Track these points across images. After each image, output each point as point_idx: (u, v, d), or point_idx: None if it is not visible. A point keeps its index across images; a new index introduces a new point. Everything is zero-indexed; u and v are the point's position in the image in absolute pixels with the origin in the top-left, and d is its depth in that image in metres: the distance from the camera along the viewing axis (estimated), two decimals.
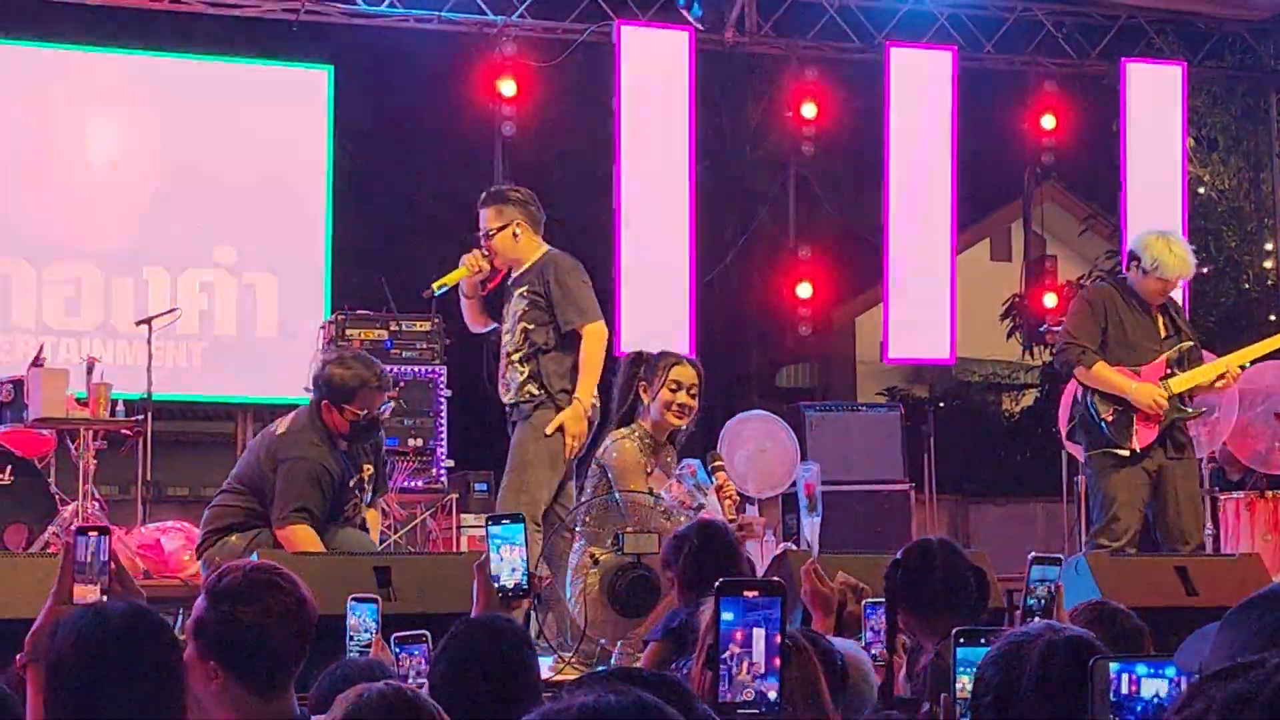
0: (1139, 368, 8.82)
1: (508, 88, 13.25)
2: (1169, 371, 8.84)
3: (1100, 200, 19.20)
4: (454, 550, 10.70)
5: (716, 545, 5.76)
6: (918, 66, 14.03)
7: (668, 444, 7.92)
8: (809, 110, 13.93)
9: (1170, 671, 2.62)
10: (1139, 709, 2.61)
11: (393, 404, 8.23)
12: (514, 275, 8.49)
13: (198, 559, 8.06)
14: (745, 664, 2.99)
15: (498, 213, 8.50)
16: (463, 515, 11.28)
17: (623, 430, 7.82)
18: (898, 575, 5.01)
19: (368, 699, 3.11)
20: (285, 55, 13.61)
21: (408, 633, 4.46)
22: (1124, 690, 2.66)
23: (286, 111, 13.57)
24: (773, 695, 2.99)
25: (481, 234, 8.51)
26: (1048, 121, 14.38)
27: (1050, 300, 14.46)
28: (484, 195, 8.68)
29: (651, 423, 7.81)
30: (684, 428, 7.90)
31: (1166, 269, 8.83)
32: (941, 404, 17.70)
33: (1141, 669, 2.66)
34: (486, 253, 8.49)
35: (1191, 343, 9.00)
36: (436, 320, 11.77)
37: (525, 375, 8.26)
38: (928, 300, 13.91)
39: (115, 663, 3.40)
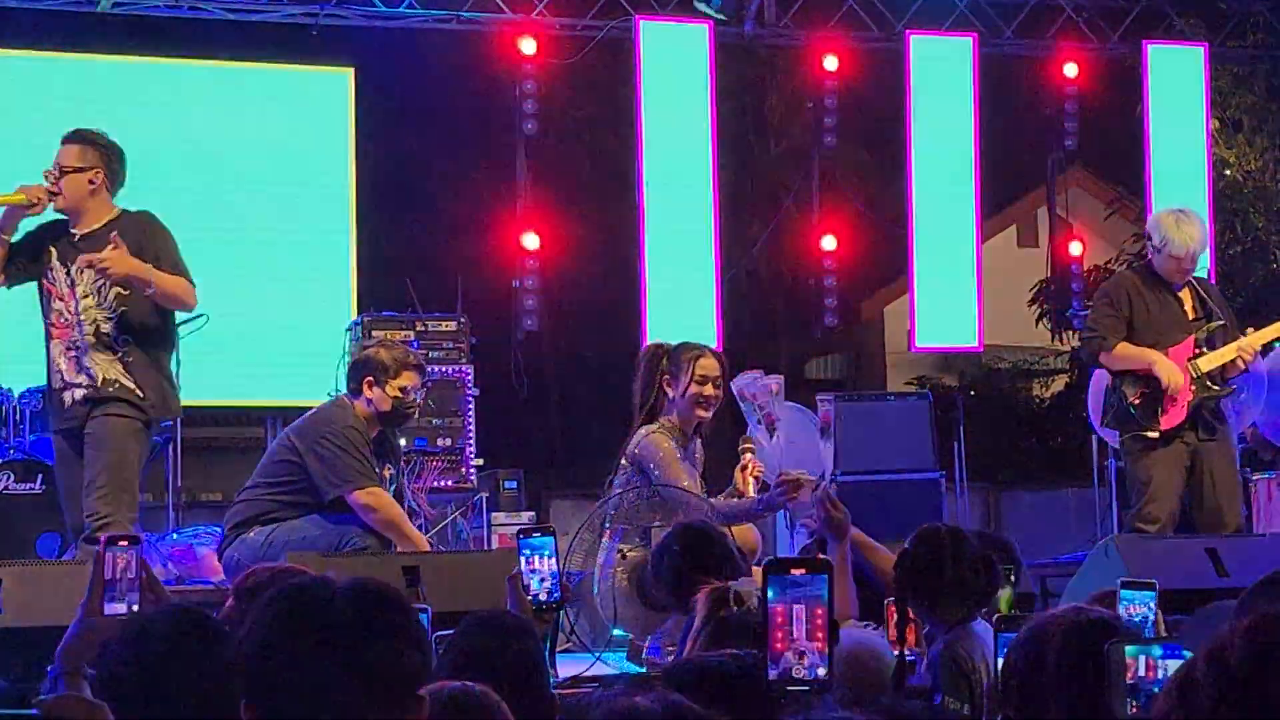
0: (1167, 350, 8.80)
1: (529, 86, 13.25)
2: (1197, 351, 8.81)
3: (1126, 184, 19.13)
4: (485, 548, 10.71)
5: (697, 550, 5.81)
6: (939, 54, 14.00)
7: (695, 436, 7.91)
8: (831, 101, 13.91)
9: (1188, 654, 2.62)
10: (1157, 691, 2.61)
11: (425, 392, 8.25)
12: (77, 232, 7.74)
13: (218, 559, 8.10)
14: (793, 641, 3.02)
15: (81, 153, 7.77)
16: (493, 514, 11.29)
17: (651, 425, 7.81)
18: (907, 564, 5.01)
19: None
20: (307, 59, 13.63)
21: (438, 633, 4.47)
22: (1141, 673, 2.67)
23: (310, 115, 13.61)
24: (821, 671, 3.02)
25: (55, 168, 7.72)
26: (1070, 106, 14.33)
27: (1075, 248, 14.46)
28: (71, 132, 7.90)
29: (679, 416, 7.81)
30: (708, 418, 7.88)
31: (1174, 245, 8.81)
32: (971, 392, 17.69)
33: (1157, 651, 2.67)
34: (53, 188, 7.68)
35: (1222, 322, 8.93)
36: (463, 320, 11.79)
37: (116, 354, 7.60)
38: (954, 288, 13.88)
39: (169, 667, 3.38)
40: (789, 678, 3.03)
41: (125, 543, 4.16)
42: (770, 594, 3.03)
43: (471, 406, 11.50)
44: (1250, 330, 9.04)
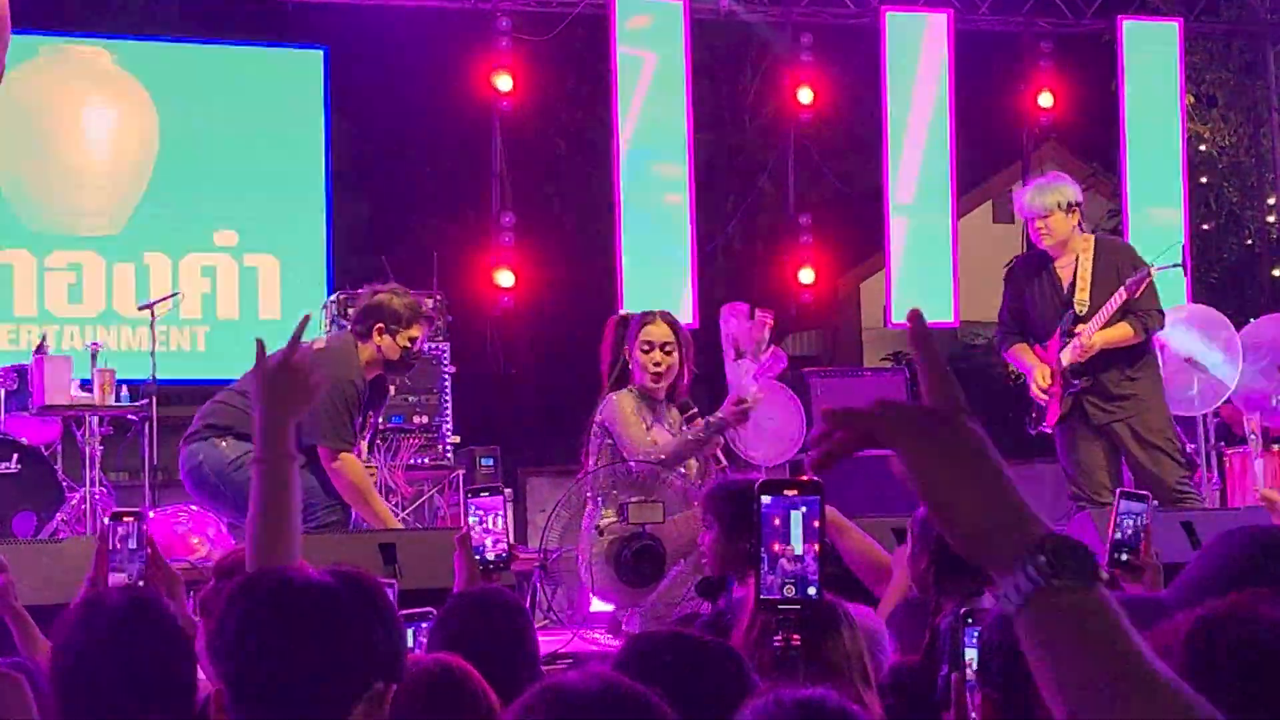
0: (1047, 339, 8.86)
1: (503, 63, 13.22)
2: (1063, 342, 8.83)
3: (1100, 160, 19.18)
4: (462, 526, 10.70)
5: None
6: (914, 29, 14.00)
7: (668, 403, 7.81)
8: (806, 77, 13.90)
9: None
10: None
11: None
12: None
13: (184, 445, 7.92)
14: (785, 561, 3.03)
15: None
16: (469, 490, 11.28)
17: (619, 390, 7.74)
18: (930, 529, 4.96)
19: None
20: (279, 38, 13.62)
21: (414, 610, 4.47)
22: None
23: (282, 94, 13.59)
24: (812, 591, 3.03)
25: None
26: (1045, 82, 14.35)
27: None
28: None
29: (639, 384, 7.72)
30: (660, 387, 7.74)
31: (1022, 209, 8.92)
32: (947, 367, 17.68)
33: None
34: None
35: (1072, 311, 8.83)
36: (438, 297, 11.77)
37: None
38: (930, 264, 13.90)
39: (114, 649, 3.37)
40: (780, 598, 3.04)
41: (129, 517, 4.19)
42: (763, 514, 3.04)
43: (448, 383, 11.48)
44: (1096, 327, 8.83)
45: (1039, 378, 8.85)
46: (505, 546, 4.86)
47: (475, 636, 3.84)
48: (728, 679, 3.14)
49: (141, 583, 4.07)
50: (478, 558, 4.83)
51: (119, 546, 4.14)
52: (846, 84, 15.04)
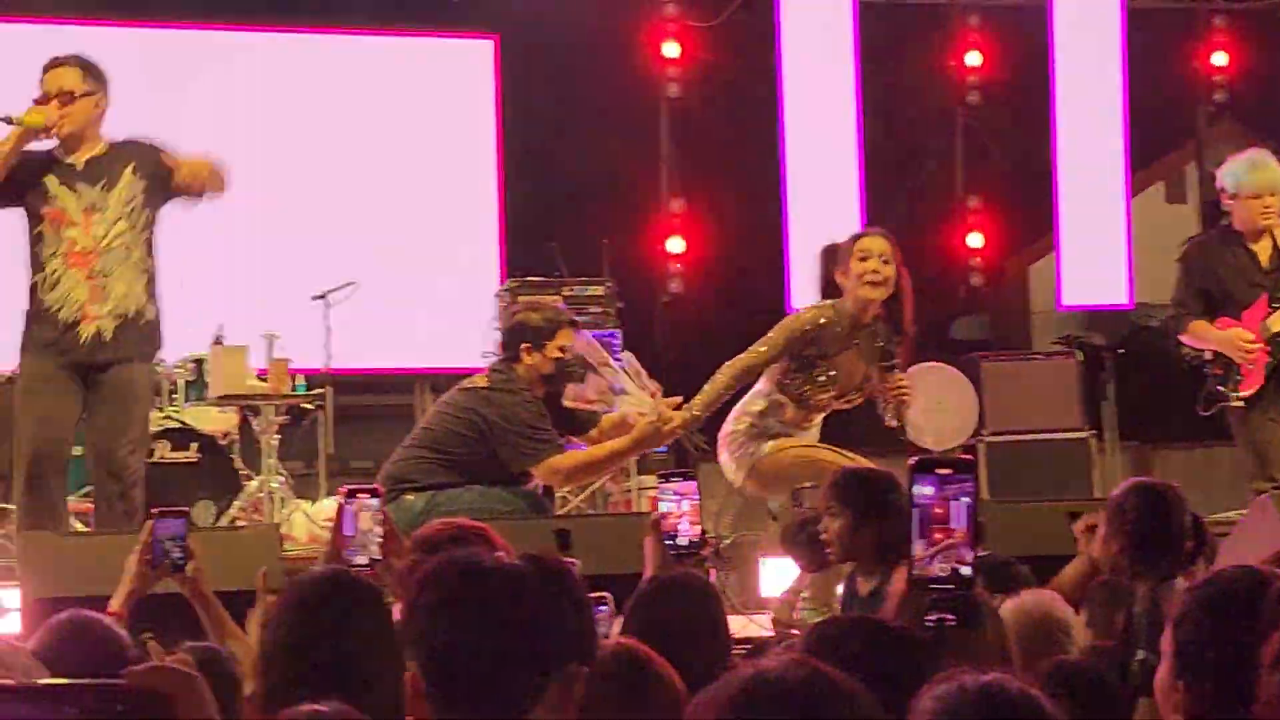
0: (1241, 311, 8.62)
1: (671, 49, 13.25)
2: (1271, 309, 8.60)
3: (1278, 137, 18.80)
4: (633, 511, 10.72)
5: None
6: (1083, 6, 13.82)
7: (869, 327, 7.69)
8: (973, 58, 13.78)
9: None
10: None
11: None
12: (75, 161, 7.50)
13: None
14: (937, 541, 3.01)
15: (84, 76, 7.46)
16: (641, 477, 11.29)
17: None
18: (1122, 516, 4.91)
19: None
20: (448, 27, 13.70)
21: (590, 595, 4.47)
22: None
23: (453, 82, 13.68)
24: (966, 571, 3.00)
25: (60, 92, 7.37)
26: (1219, 58, 14.10)
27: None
28: (64, 55, 7.50)
29: (852, 302, 7.63)
30: (875, 298, 7.58)
31: (1248, 185, 8.61)
32: (1120, 350, 17.44)
33: None
34: (63, 112, 7.36)
35: None
36: (609, 284, 11.81)
37: (145, 279, 7.48)
38: (1102, 245, 13.73)
39: (319, 625, 3.39)
40: (932, 577, 3.01)
41: (366, 494, 4.23)
42: (916, 493, 3.01)
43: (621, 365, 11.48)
44: None
45: (1237, 338, 8.58)
46: (698, 532, 4.79)
47: (668, 622, 3.84)
48: (912, 664, 3.12)
49: (377, 559, 4.12)
50: (669, 543, 4.78)
51: (359, 529, 4.19)
52: (1014, 64, 14.85)
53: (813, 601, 6.79)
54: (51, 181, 7.45)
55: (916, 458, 3.06)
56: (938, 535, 3.01)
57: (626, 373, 7.71)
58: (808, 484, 7.28)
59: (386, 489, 7.74)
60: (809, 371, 7.51)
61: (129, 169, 7.43)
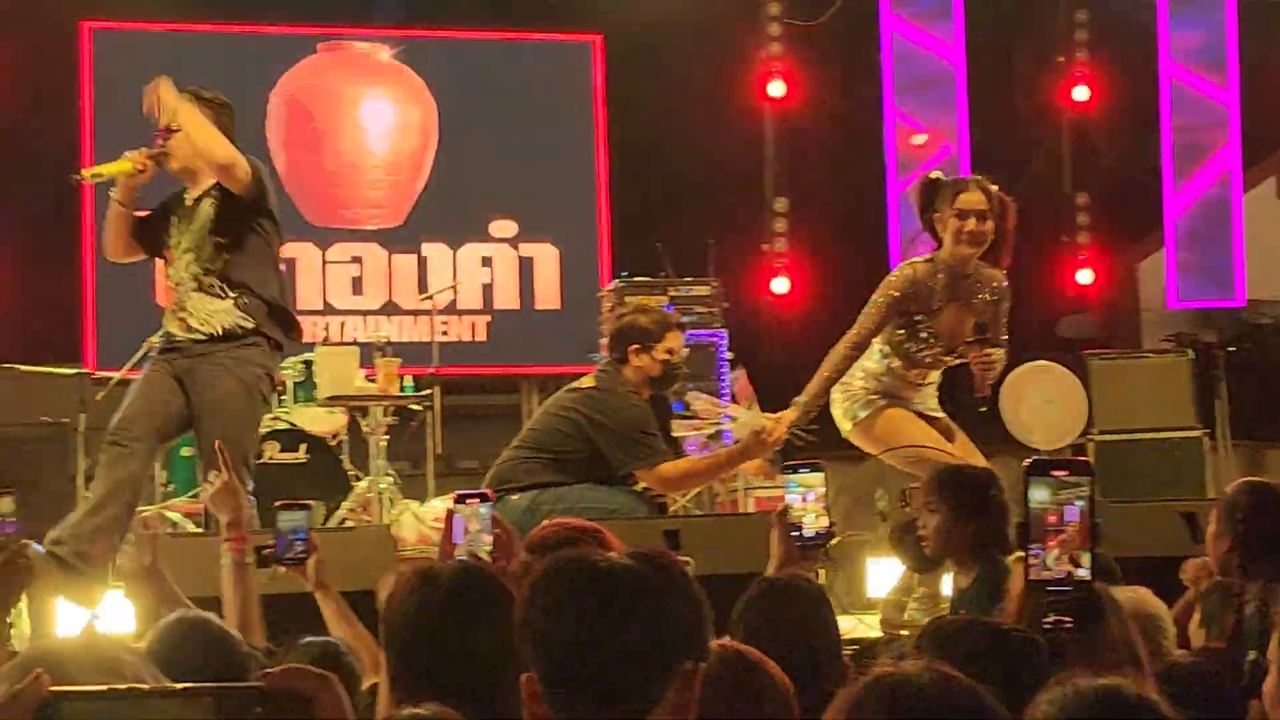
0: None
1: (775, 48, 13.22)
2: None
3: None
4: (740, 512, 10.70)
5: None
6: (1193, 4, 13.69)
7: (971, 277, 7.55)
8: (1081, 55, 13.68)
9: None
10: None
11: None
12: (189, 196, 7.35)
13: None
14: (1053, 544, 2.99)
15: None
16: (748, 477, 11.26)
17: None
18: (1239, 515, 4.86)
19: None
20: (553, 26, 13.75)
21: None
22: None
23: (558, 81, 13.73)
24: (1082, 573, 2.97)
25: (161, 129, 7.18)
26: None
27: None
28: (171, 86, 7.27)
29: (950, 256, 7.53)
30: (972, 252, 7.41)
31: None
32: (1232, 348, 17.28)
33: None
34: (161, 152, 7.19)
35: None
36: (716, 284, 11.80)
37: (228, 298, 7.24)
38: (1213, 242, 13.58)
39: (447, 617, 3.38)
40: (1048, 580, 2.99)
41: (475, 499, 4.26)
42: (1031, 496, 2.99)
43: (726, 370, 11.49)
44: None
45: None
46: (826, 523, 4.73)
47: (778, 624, 3.83)
48: (1026, 666, 3.10)
49: (488, 562, 4.14)
50: (795, 534, 4.73)
51: (464, 529, 4.21)
52: (1121, 60, 14.74)
53: (923, 601, 6.75)
54: (171, 220, 7.40)
55: (1031, 460, 3.03)
56: (1052, 538, 2.98)
57: (735, 401, 7.73)
58: (913, 485, 7.23)
59: (493, 489, 7.79)
60: (913, 329, 7.42)
61: (208, 200, 7.27)
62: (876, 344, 7.48)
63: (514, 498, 7.66)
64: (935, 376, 7.62)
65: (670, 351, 7.76)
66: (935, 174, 7.67)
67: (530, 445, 7.81)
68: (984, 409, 7.41)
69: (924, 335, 7.39)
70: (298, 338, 7.66)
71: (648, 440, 7.60)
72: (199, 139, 7.13)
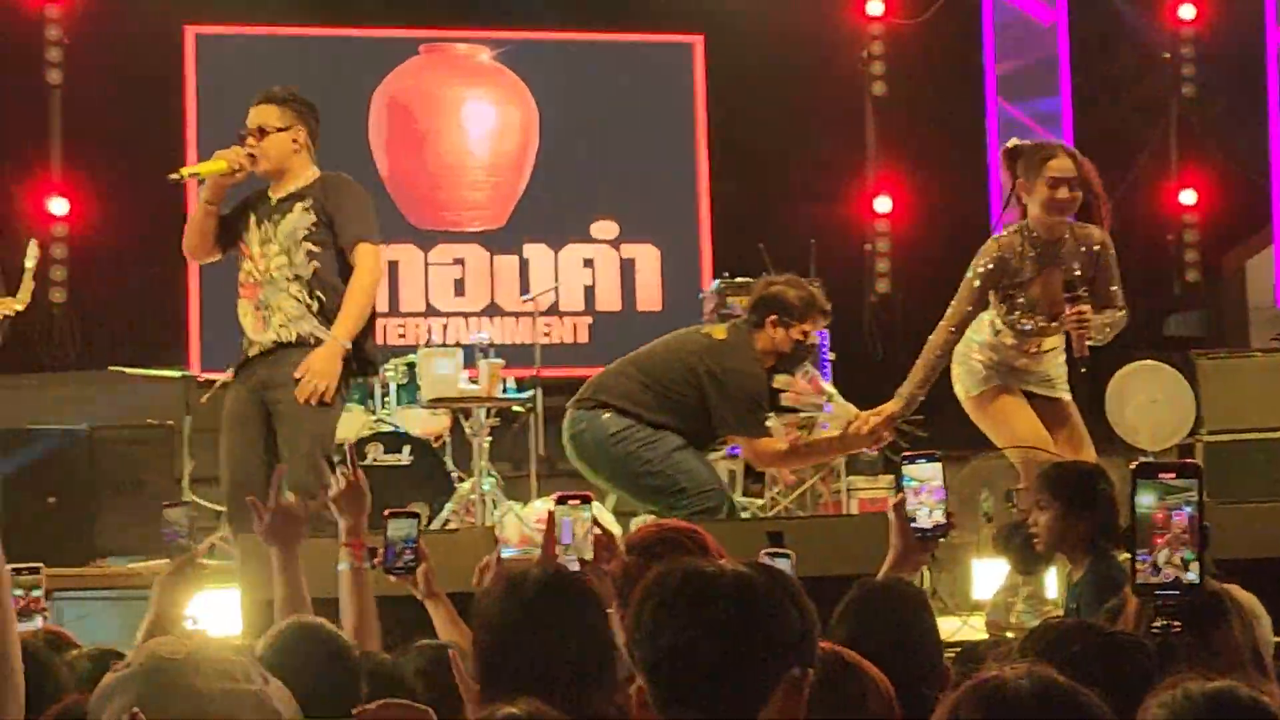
0: None
1: (876, 47, 13.17)
2: None
3: None
4: (843, 513, 10.66)
5: None
6: None
7: (1062, 243, 7.39)
8: (1187, 51, 13.55)
9: None
10: None
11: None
12: (274, 196, 7.43)
13: (571, 409, 7.90)
14: (1162, 547, 2.95)
15: (281, 113, 7.39)
16: (851, 478, 11.22)
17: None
18: None
19: None
20: (654, 26, 13.75)
21: None
22: None
23: (659, 82, 13.73)
24: (1190, 577, 2.93)
25: (253, 130, 7.36)
26: None
27: None
28: (265, 92, 7.48)
29: (1038, 224, 7.37)
30: (1059, 220, 7.27)
31: None
32: None
33: None
34: (254, 151, 7.34)
35: None
36: (817, 284, 11.74)
37: (311, 309, 7.27)
38: None
39: (535, 619, 3.40)
40: (1156, 584, 2.95)
41: (577, 501, 4.29)
42: (1139, 499, 2.95)
43: (827, 370, 11.45)
44: None
45: None
46: (943, 514, 4.68)
47: (878, 628, 3.81)
48: (1134, 670, 3.06)
49: (588, 560, 4.16)
50: (912, 525, 4.68)
51: (566, 531, 4.24)
52: (1230, 54, 14.58)
53: (1030, 602, 6.70)
54: (250, 217, 7.47)
55: (1138, 463, 2.99)
56: (1160, 540, 2.94)
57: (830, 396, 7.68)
58: (1021, 485, 7.17)
59: (590, 394, 7.69)
60: (1010, 301, 7.34)
61: (303, 203, 7.33)
62: (987, 317, 7.41)
63: (606, 415, 7.59)
64: (1053, 342, 7.48)
65: (805, 334, 7.72)
66: (1014, 141, 7.56)
67: (643, 370, 7.73)
68: (1085, 369, 7.28)
69: (1022, 302, 7.31)
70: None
71: (758, 411, 7.57)
72: (361, 316, 7.26)
